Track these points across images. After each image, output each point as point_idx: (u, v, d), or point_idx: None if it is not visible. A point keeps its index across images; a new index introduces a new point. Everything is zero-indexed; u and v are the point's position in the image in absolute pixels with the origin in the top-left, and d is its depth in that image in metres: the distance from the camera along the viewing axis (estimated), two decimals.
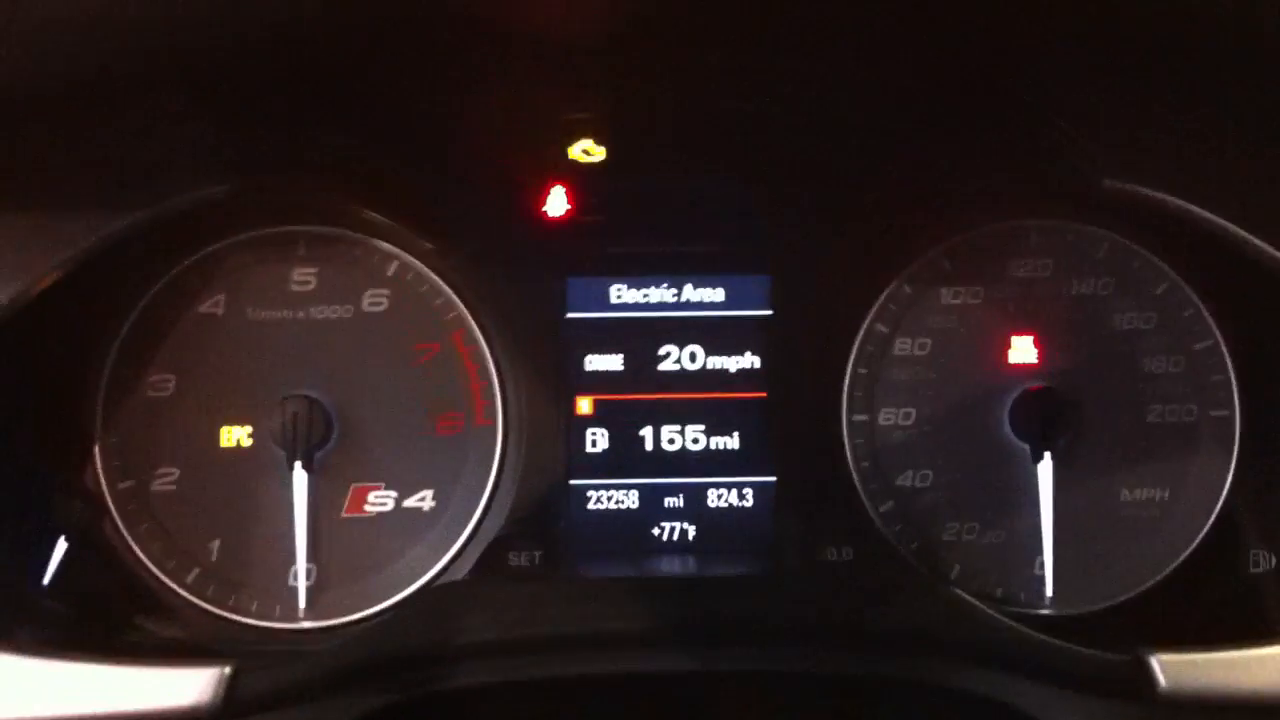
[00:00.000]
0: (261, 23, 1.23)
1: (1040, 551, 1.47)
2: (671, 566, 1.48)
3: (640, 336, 1.51)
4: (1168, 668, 1.17)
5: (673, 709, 1.36)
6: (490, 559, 1.44)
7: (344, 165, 1.48)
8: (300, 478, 1.46)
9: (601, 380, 1.51)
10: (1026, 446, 1.49)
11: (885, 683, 1.28)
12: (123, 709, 1.16)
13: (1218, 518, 1.50)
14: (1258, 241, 1.36)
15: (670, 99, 1.51)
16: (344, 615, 1.48)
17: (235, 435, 1.49)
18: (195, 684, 1.16)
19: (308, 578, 1.48)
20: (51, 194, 1.36)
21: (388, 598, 1.48)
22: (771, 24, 1.35)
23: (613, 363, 1.51)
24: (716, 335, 1.51)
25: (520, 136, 1.51)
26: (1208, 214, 1.38)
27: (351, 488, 1.50)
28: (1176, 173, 1.40)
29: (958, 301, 1.54)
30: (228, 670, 1.16)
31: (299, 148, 1.46)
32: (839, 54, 1.44)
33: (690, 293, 1.51)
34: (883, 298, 1.54)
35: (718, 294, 1.52)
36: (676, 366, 1.51)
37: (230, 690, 1.15)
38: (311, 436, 1.47)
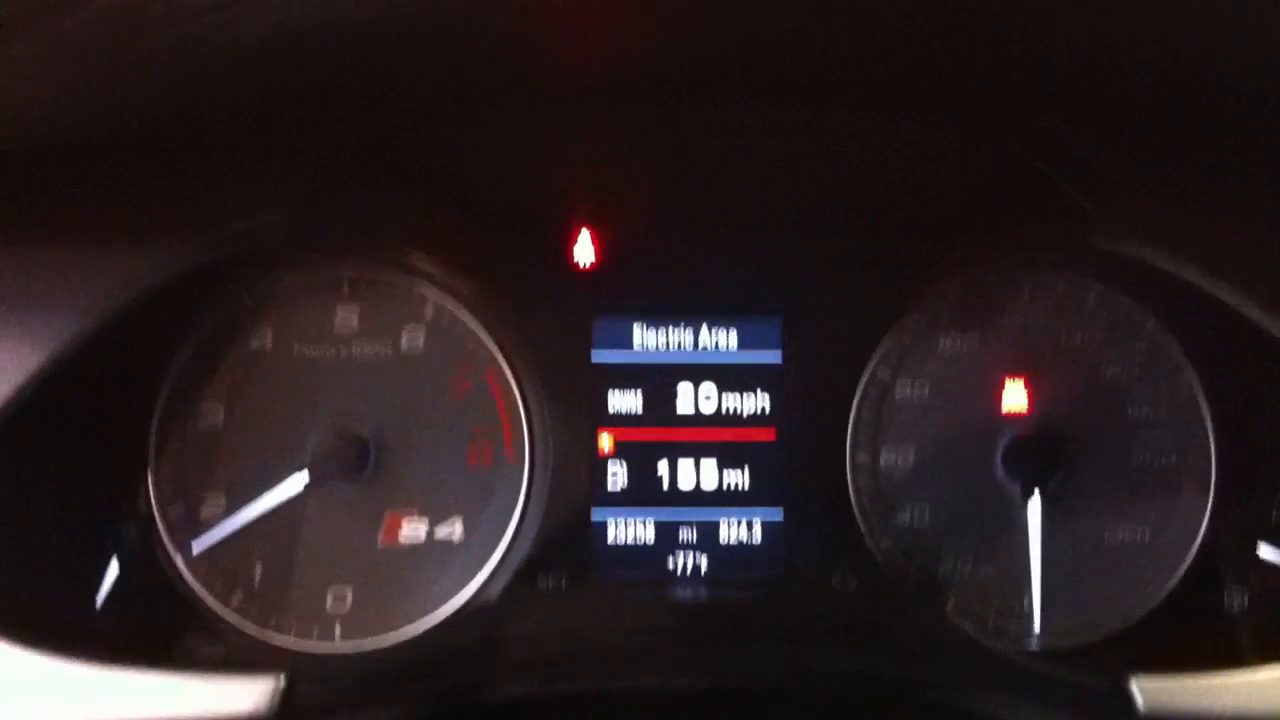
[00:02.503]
0: (312, 76, 1.33)
1: (1029, 587, 1.54)
2: (685, 592, 1.57)
3: (660, 377, 1.61)
4: (1147, 691, 1.25)
5: None
6: (520, 583, 1.53)
7: (390, 212, 1.58)
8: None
9: (623, 418, 1.60)
10: (1017, 487, 1.57)
11: (887, 703, 1.37)
12: (184, 715, 1.24)
13: (1195, 557, 1.57)
14: (1235, 298, 1.45)
15: (685, 157, 1.61)
16: (380, 638, 1.55)
17: (279, 464, 1.57)
18: (252, 692, 1.24)
19: (344, 602, 1.56)
20: (116, 235, 1.45)
21: (422, 620, 1.55)
22: (783, 81, 1.45)
23: (633, 402, 1.61)
24: (730, 377, 1.61)
25: (550, 189, 1.61)
26: (1189, 271, 1.47)
27: (386, 516, 1.58)
28: (1161, 233, 1.49)
29: (955, 348, 1.62)
30: (283, 680, 1.24)
31: (347, 197, 1.55)
32: (844, 114, 1.54)
33: (706, 336, 1.61)
34: (884, 344, 1.62)
35: (732, 337, 1.62)
36: (692, 406, 1.61)
37: (286, 699, 1.23)
38: (346, 465, 1.57)
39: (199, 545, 1.55)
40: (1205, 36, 1.26)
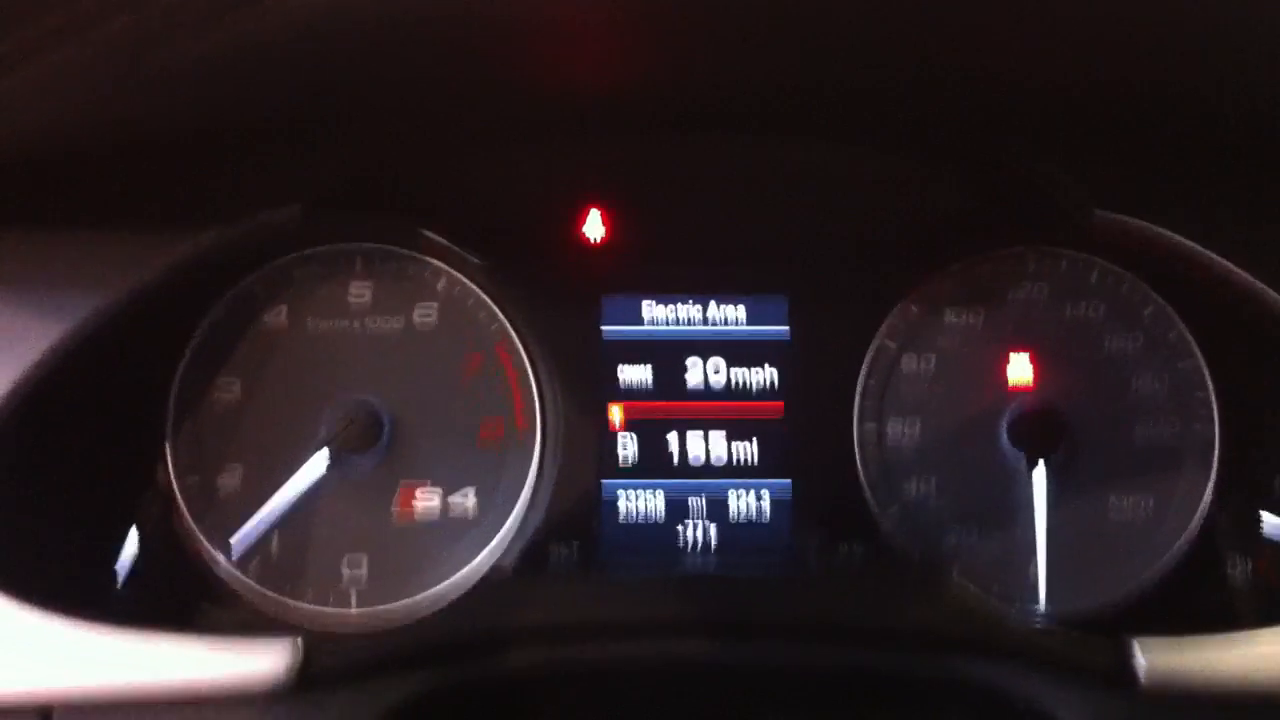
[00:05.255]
0: (326, 63, 1.35)
1: (1034, 556, 1.56)
2: (695, 562, 1.59)
3: (669, 351, 1.63)
4: (1149, 651, 1.27)
5: (702, 701, 1.46)
6: (532, 553, 1.56)
7: (404, 190, 1.60)
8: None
9: (632, 391, 1.62)
10: (1022, 459, 1.60)
11: (895, 673, 1.38)
12: (201, 679, 1.26)
13: (1199, 527, 1.59)
14: (1235, 268, 1.48)
15: (695, 139, 1.65)
16: (395, 606, 1.58)
17: (295, 435, 1.60)
18: (271, 657, 1.25)
19: (359, 571, 1.59)
20: (138, 215, 1.48)
21: (436, 588, 1.58)
22: (793, 77, 1.48)
23: (643, 375, 1.63)
24: (738, 351, 1.63)
25: (560, 167, 1.64)
26: (1189, 242, 1.50)
27: (400, 487, 1.61)
28: (1160, 203, 1.52)
29: (960, 321, 1.65)
30: (300, 644, 1.26)
31: (363, 174, 1.57)
32: (846, 106, 1.57)
33: (715, 311, 1.63)
34: (891, 316, 1.64)
35: (740, 312, 1.64)
36: (701, 380, 1.63)
37: (304, 663, 1.25)
38: (361, 438, 1.59)
39: (238, 545, 1.58)
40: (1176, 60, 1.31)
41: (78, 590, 1.43)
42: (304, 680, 1.26)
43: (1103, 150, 1.55)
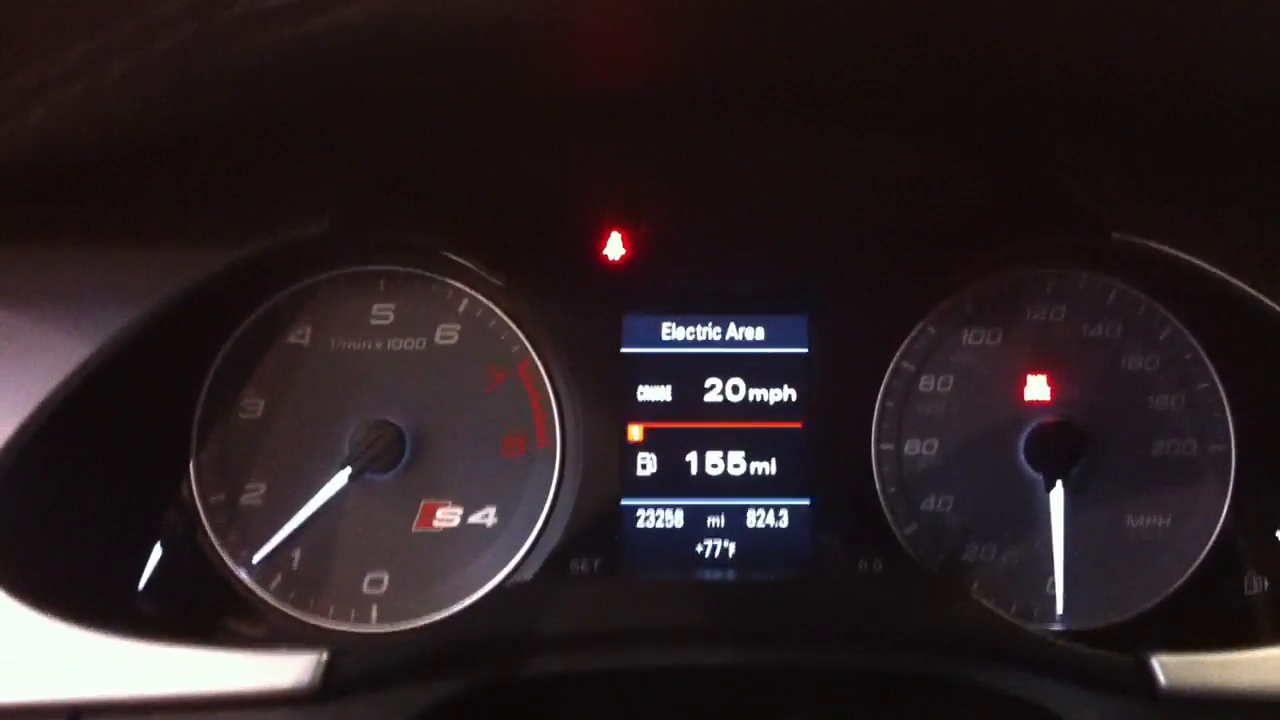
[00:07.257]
0: (354, 86, 1.37)
1: (1052, 572, 1.57)
2: (714, 578, 1.59)
3: (688, 370, 1.64)
4: (1167, 667, 1.27)
5: (719, 707, 1.47)
6: (553, 565, 1.57)
7: (426, 212, 1.62)
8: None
9: (652, 409, 1.63)
10: (1040, 476, 1.61)
11: (914, 681, 1.38)
12: (225, 688, 1.27)
13: (1215, 543, 1.61)
14: (1250, 289, 1.50)
15: (714, 160, 1.66)
16: (414, 620, 1.59)
17: (317, 454, 1.62)
18: (295, 668, 1.26)
19: (380, 585, 1.60)
20: (167, 233, 1.50)
21: (457, 602, 1.59)
22: (804, 104, 1.50)
23: (662, 393, 1.64)
24: (757, 370, 1.64)
25: (581, 189, 1.65)
26: (1205, 264, 1.52)
27: (422, 503, 1.62)
28: (1177, 226, 1.54)
29: (978, 342, 1.66)
30: (325, 656, 1.27)
31: (387, 195, 1.60)
32: (867, 122, 1.59)
33: (734, 331, 1.65)
34: (909, 338, 1.66)
35: (759, 332, 1.65)
36: (720, 398, 1.64)
37: (327, 674, 1.26)
38: (382, 457, 1.61)
39: (260, 561, 1.61)
40: (1197, 54, 1.30)
41: (103, 603, 1.45)
42: (328, 687, 1.27)
43: (1121, 173, 1.57)
